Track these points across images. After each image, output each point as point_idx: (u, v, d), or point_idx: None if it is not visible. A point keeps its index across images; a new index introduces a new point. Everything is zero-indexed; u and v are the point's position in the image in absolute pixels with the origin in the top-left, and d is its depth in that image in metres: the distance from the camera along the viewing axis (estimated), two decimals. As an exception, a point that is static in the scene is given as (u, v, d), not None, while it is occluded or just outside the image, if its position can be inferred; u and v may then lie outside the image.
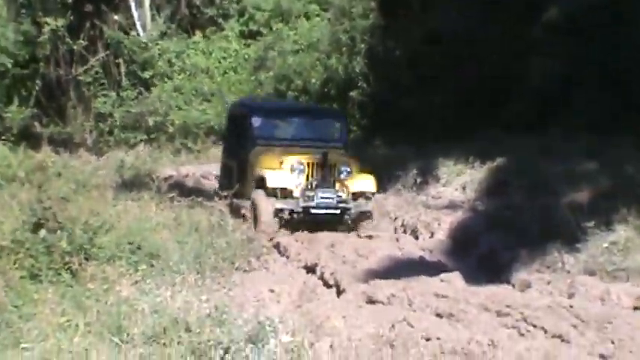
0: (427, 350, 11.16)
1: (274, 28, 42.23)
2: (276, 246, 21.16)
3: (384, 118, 30.14)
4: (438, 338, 11.51)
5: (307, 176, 21.21)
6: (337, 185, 21.22)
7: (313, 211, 20.81)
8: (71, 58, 43.70)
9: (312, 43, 39.45)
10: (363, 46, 34.91)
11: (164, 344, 10.07)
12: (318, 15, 42.42)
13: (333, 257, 19.14)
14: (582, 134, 21.04)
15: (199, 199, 22.75)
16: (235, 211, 22.13)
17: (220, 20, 45.76)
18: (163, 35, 45.31)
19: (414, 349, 11.19)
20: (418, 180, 24.99)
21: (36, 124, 41.13)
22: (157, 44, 44.71)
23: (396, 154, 27.31)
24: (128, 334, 10.46)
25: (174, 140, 40.90)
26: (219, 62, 43.82)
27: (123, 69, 44.29)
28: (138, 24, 45.09)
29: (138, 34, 45.07)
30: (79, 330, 10.74)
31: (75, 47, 43.35)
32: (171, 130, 41.50)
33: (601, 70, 21.34)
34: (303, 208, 20.79)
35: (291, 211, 20.82)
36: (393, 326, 12.01)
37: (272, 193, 20.92)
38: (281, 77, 39.54)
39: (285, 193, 21.03)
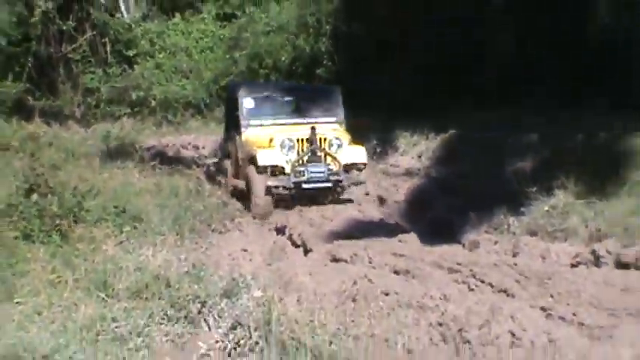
0: (385, 304, 11.16)
1: (247, 11, 42.16)
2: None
3: (348, 93, 30.04)
4: (396, 293, 11.52)
5: (298, 152, 19.93)
6: (328, 159, 19.94)
7: (305, 185, 19.58)
8: (61, 37, 43.31)
9: (282, 25, 39.36)
10: (327, 27, 34.88)
11: (146, 299, 10.06)
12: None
13: (300, 220, 19.15)
14: (530, 108, 21.04)
15: (179, 167, 22.82)
16: (232, 190, 21.41)
17: (198, 4, 45.85)
18: (145, 17, 45.53)
19: (373, 303, 11.19)
20: (378, 150, 25.03)
21: (29, 97, 40.79)
22: (140, 25, 44.76)
23: (355, 124, 27.25)
24: (113, 290, 10.46)
25: (156, 113, 40.84)
26: (197, 42, 43.85)
27: (108, 48, 44.12)
28: (122, 7, 45.20)
29: (122, 16, 45.13)
30: (68, 286, 10.71)
31: (64, 27, 42.75)
32: (153, 104, 41.33)
33: (551, 46, 21.31)
34: (295, 183, 19.55)
35: (283, 187, 19.56)
36: (355, 282, 12.01)
37: (263, 170, 19.61)
38: (253, 56, 39.59)
39: (277, 170, 19.75)
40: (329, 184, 19.62)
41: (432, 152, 22.64)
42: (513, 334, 9.66)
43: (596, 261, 14.09)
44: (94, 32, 43.95)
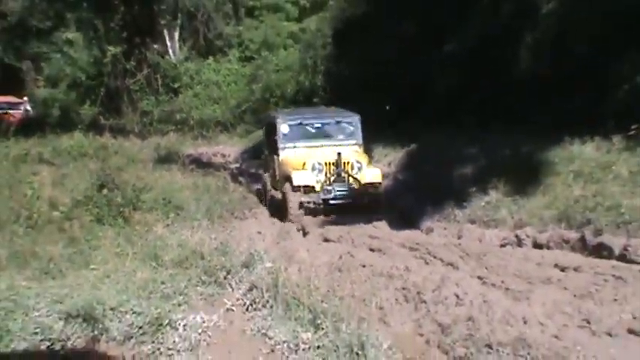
0: (363, 273, 11.21)
1: (262, 55, 42.38)
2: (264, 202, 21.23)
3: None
4: (371, 265, 11.57)
5: (325, 173, 18.57)
6: (350, 179, 18.57)
7: (331, 202, 18.34)
8: (125, 73, 43.99)
9: (288, 65, 39.50)
10: (322, 67, 34.90)
11: (186, 267, 10.07)
12: (292, 47, 42.63)
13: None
14: (471, 128, 21.00)
15: (210, 170, 22.82)
16: (270, 199, 20.26)
17: (226, 49, 46.11)
18: (187, 58, 45.48)
19: (354, 272, 11.23)
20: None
21: (101, 118, 41.67)
22: (183, 64, 44.85)
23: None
24: (161, 260, 10.47)
25: (194, 130, 41.00)
26: (225, 77, 44.13)
27: (160, 81, 44.46)
28: (170, 51, 45.25)
29: (170, 58, 45.19)
30: (128, 257, 10.73)
31: (128, 66, 43.76)
32: (191, 123, 41.56)
33: (483, 82, 21.29)
34: (323, 200, 18.28)
35: (313, 203, 18.23)
36: (340, 257, 12.05)
37: (297, 189, 18.25)
38: (266, 88, 39.67)
39: (308, 189, 18.36)
40: (351, 200, 18.48)
41: (399, 161, 22.60)
42: (457, 296, 9.70)
43: (519, 242, 14.16)
44: (149, 69, 44.52)
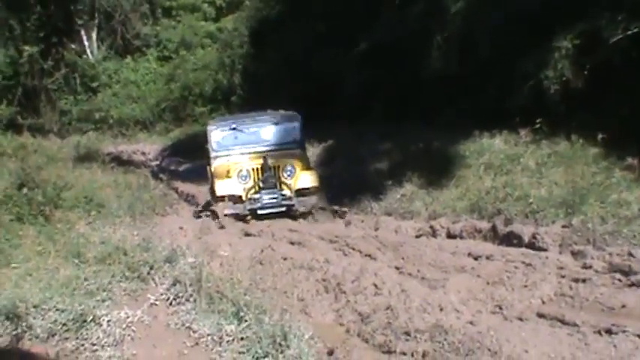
0: (284, 266, 11.20)
1: (180, 54, 42.56)
2: (186, 197, 21.08)
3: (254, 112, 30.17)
4: (292, 258, 11.55)
5: (254, 180, 16.73)
6: (282, 185, 16.80)
7: (260, 212, 16.51)
8: (42, 73, 43.59)
9: (206, 64, 39.65)
10: (240, 66, 34.93)
11: (109, 263, 9.94)
12: (209, 46, 42.67)
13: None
14: (385, 124, 21.21)
15: (130, 168, 22.65)
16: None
17: (144, 48, 46.29)
18: (105, 58, 45.73)
19: (275, 266, 11.22)
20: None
21: (19, 117, 40.92)
22: (101, 64, 45.13)
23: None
24: (84, 257, 10.36)
25: (113, 129, 41.19)
26: (143, 77, 44.53)
27: (78, 80, 44.47)
28: (88, 50, 45.48)
29: (88, 57, 45.23)
30: (51, 255, 10.64)
31: (45, 66, 43.47)
32: (110, 121, 41.87)
33: (395, 80, 21.49)
34: (250, 210, 16.49)
35: (238, 215, 16.38)
36: (262, 250, 12.02)
37: (221, 199, 16.58)
38: (185, 87, 40.05)
39: (235, 199, 16.60)
40: (282, 209, 16.60)
41: (317, 156, 22.61)
42: (376, 286, 9.75)
43: (433, 233, 14.29)
44: (67, 69, 44.42)
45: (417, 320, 8.50)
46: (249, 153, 17.63)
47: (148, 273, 9.39)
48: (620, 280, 10.04)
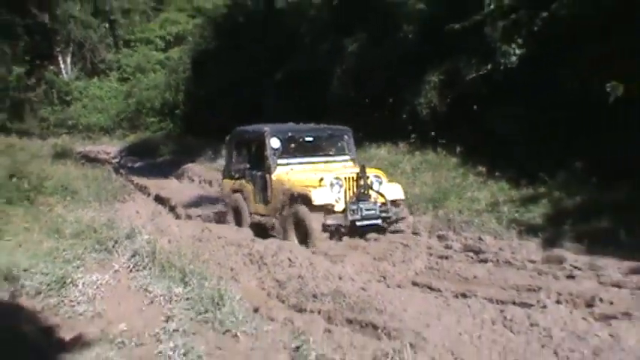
0: (219, 242, 11.14)
1: (136, 77, 42.62)
2: (140, 188, 20.84)
3: (193, 124, 29.97)
4: (225, 237, 11.49)
5: (345, 190, 12.18)
6: (374, 196, 12.34)
7: (358, 223, 11.97)
8: (27, 88, 43.42)
9: (156, 85, 39.34)
10: (183, 87, 34.62)
11: (82, 239, 9.83)
12: (159, 71, 42.46)
13: (170, 194, 19.01)
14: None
15: (97, 164, 22.34)
16: (264, 229, 12.98)
17: (107, 71, 46.38)
18: (77, 78, 45.99)
19: (213, 242, 11.16)
20: (212, 156, 24.81)
21: (8, 123, 40.03)
22: (74, 82, 45.15)
23: (197, 143, 27.08)
24: (62, 233, 10.26)
25: (82, 133, 40.85)
26: (107, 93, 44.71)
27: (55, 95, 44.49)
28: (63, 71, 45.65)
29: (63, 77, 45.24)
30: (35, 231, 10.53)
31: (29, 82, 43.62)
32: (80, 127, 41.80)
33: (305, 104, 21.46)
34: (351, 221, 11.93)
35: (339, 225, 11.89)
36: (202, 230, 11.93)
37: (317, 209, 11.85)
38: (139, 102, 39.81)
39: (328, 209, 11.92)
40: (379, 221, 12.21)
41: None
42: (290, 260, 9.80)
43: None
44: (47, 85, 44.58)
45: (322, 286, 8.59)
46: (310, 163, 13.40)
47: (113, 246, 9.27)
48: (472, 257, 10.35)
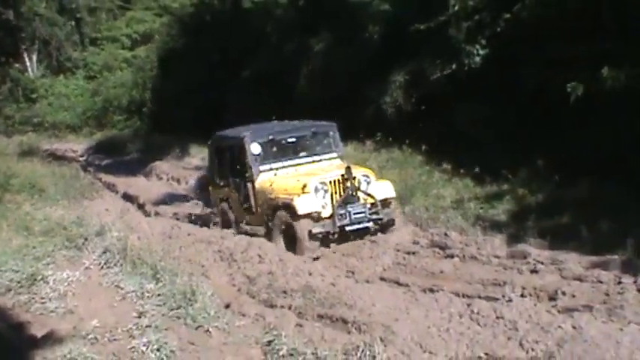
0: (188, 239, 11.16)
1: (103, 75, 42.11)
2: (108, 186, 20.67)
3: (160, 122, 29.82)
4: (195, 234, 11.53)
5: (331, 194, 11.36)
6: (362, 197, 11.50)
7: (348, 228, 11.16)
8: None
9: (123, 83, 38.89)
10: (150, 85, 34.37)
11: (52, 236, 9.70)
12: (126, 69, 41.95)
13: (138, 191, 18.93)
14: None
15: (64, 162, 22.15)
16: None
17: (74, 69, 45.63)
18: (43, 75, 44.77)
19: (182, 238, 11.16)
20: (180, 154, 24.66)
21: None
22: (39, 80, 44.03)
23: (165, 140, 26.92)
24: (32, 231, 10.14)
25: (48, 130, 40.32)
26: (73, 91, 43.85)
27: (20, 92, 43.31)
28: (29, 69, 44.27)
29: (29, 74, 44.11)
30: (4, 228, 10.33)
31: None
32: (46, 125, 41.01)
33: (271, 101, 21.39)
34: (340, 227, 11.12)
35: (327, 232, 11.07)
36: (172, 227, 11.92)
37: (302, 217, 11.03)
38: (106, 100, 39.31)
39: (317, 217, 11.09)
40: (370, 224, 11.40)
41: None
42: (260, 256, 9.87)
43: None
44: (12, 83, 43.40)
45: (292, 282, 8.66)
46: (294, 165, 12.50)
47: (83, 243, 9.14)
48: (439, 253, 10.46)
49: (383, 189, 11.68)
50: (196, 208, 16.25)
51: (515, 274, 8.95)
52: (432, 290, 8.56)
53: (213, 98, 25.54)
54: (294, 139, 12.81)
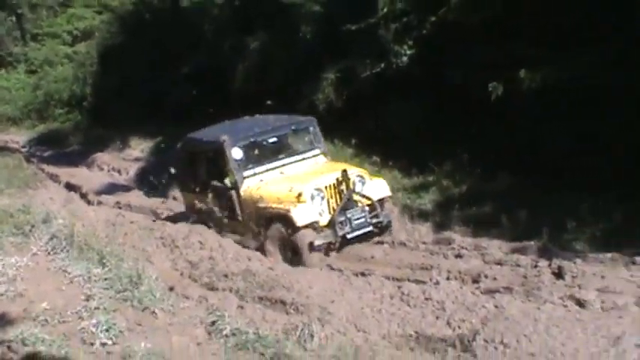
0: (132, 227, 11.02)
1: (44, 69, 40.85)
2: (51, 176, 20.19)
3: (101, 115, 29.28)
4: (138, 222, 11.41)
5: (327, 201, 10.38)
6: (358, 199, 10.57)
7: (349, 236, 10.25)
8: None
9: (64, 77, 37.76)
10: (90, 80, 33.63)
11: (-1, 223, 9.51)
12: (67, 64, 40.84)
13: (81, 181, 18.59)
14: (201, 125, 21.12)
15: (8, 153, 21.63)
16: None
17: (15, 64, 44.28)
18: None
19: (126, 227, 11.00)
20: (121, 146, 24.22)
21: None
22: None
23: (106, 133, 26.37)
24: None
25: None
26: (14, 85, 42.46)
27: None
28: None
29: None
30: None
31: None
32: None
33: (209, 96, 21.27)
34: (341, 236, 10.21)
35: (330, 243, 10.14)
36: (116, 215, 11.77)
37: (301, 229, 9.97)
38: (47, 94, 38.10)
39: (315, 226, 10.10)
40: (370, 228, 10.50)
41: (149, 149, 22.15)
42: (201, 242, 9.87)
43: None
44: None
45: (232, 266, 8.69)
46: (279, 167, 11.36)
47: (30, 230, 8.96)
48: (369, 240, 10.55)
49: (378, 188, 10.85)
50: (138, 197, 16.10)
51: (442, 259, 9.17)
52: (364, 274, 8.71)
53: (153, 93, 25.20)
54: (275, 139, 11.69)
